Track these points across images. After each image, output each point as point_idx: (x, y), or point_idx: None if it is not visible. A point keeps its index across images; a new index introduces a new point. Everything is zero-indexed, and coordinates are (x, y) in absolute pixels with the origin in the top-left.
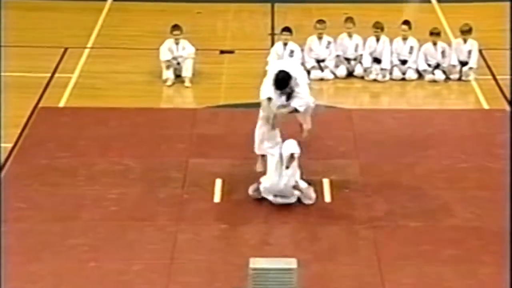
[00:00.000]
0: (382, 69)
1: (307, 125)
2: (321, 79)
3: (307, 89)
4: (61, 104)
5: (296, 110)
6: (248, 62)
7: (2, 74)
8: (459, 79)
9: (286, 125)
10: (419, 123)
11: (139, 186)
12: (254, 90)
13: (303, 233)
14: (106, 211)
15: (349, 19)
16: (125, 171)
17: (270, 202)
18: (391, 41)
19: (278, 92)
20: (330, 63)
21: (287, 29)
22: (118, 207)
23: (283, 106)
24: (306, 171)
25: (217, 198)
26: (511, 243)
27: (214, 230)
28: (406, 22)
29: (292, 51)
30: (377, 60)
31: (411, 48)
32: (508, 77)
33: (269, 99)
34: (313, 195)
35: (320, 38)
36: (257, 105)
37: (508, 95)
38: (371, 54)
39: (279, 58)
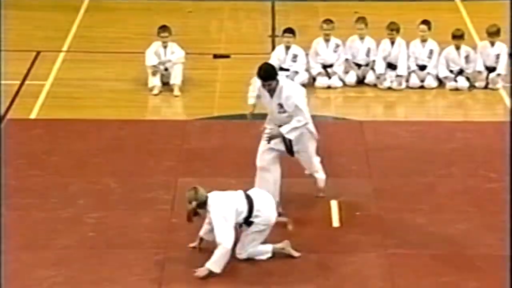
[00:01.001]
0: (397, 75)
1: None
2: (328, 87)
3: (305, 110)
4: (33, 115)
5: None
6: (245, 68)
7: None
8: (486, 87)
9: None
10: (440, 137)
11: (121, 208)
12: None
13: (308, 262)
14: (83, 237)
15: (361, 19)
16: (105, 192)
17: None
18: (407, 44)
19: (264, 85)
20: (338, 68)
21: (289, 31)
22: (96, 232)
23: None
24: (311, 192)
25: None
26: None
27: (208, 258)
28: (425, 22)
29: (295, 56)
30: (392, 66)
31: (431, 51)
32: None
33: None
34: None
35: (327, 40)
36: (256, 116)
37: None
38: (385, 58)
39: (280, 63)
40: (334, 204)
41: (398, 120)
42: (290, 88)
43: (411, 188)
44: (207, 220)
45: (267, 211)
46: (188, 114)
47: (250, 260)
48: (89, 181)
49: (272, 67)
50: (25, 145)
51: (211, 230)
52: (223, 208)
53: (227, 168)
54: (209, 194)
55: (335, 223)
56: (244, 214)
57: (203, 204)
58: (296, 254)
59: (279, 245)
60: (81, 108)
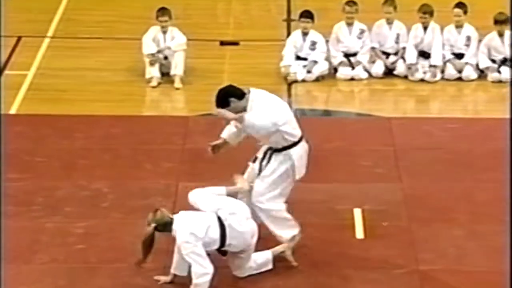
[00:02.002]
0: (431, 65)
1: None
2: (352, 79)
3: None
4: (13, 110)
5: None
6: (256, 56)
7: None
8: None
9: None
10: (479, 136)
11: (113, 217)
12: None
13: (327, 279)
14: (70, 249)
15: (389, 1)
16: (95, 198)
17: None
18: (442, 29)
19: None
20: (363, 57)
21: (307, 14)
22: (86, 244)
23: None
24: (331, 199)
25: None
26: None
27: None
28: (459, 5)
29: (313, 43)
30: (424, 54)
31: (468, 38)
32: None
33: None
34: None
35: (350, 25)
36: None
37: None
38: (416, 46)
39: (297, 51)
40: (357, 212)
41: (432, 116)
42: (252, 114)
43: (446, 194)
44: (176, 250)
45: (242, 238)
46: (191, 109)
47: (253, 275)
48: (77, 185)
49: (225, 91)
50: (5, 144)
51: (183, 261)
52: (191, 235)
53: (235, 171)
54: (175, 216)
55: (359, 234)
56: (216, 244)
57: (165, 227)
58: (294, 263)
59: (278, 248)
60: (69, 102)
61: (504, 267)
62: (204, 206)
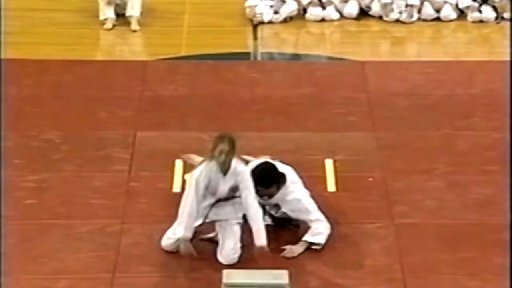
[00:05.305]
0: (407, 5)
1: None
2: (323, 20)
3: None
4: None
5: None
6: None
7: None
8: None
9: None
10: (459, 81)
11: (66, 170)
12: (228, 36)
13: (296, 235)
14: (19, 205)
15: None
16: (46, 150)
17: None
18: None
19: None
20: None
21: None
22: (36, 199)
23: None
24: (302, 148)
25: (177, 186)
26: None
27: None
28: None
29: None
30: None
31: None
32: None
33: None
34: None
35: None
36: (233, 56)
37: None
38: None
39: None
40: (329, 164)
41: (408, 60)
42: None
43: (423, 143)
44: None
45: None
46: (150, 53)
47: None
48: (26, 136)
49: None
50: None
51: None
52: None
53: (197, 119)
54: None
55: (330, 187)
56: None
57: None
58: None
59: None
60: (16, 45)
61: (488, 219)
62: None
